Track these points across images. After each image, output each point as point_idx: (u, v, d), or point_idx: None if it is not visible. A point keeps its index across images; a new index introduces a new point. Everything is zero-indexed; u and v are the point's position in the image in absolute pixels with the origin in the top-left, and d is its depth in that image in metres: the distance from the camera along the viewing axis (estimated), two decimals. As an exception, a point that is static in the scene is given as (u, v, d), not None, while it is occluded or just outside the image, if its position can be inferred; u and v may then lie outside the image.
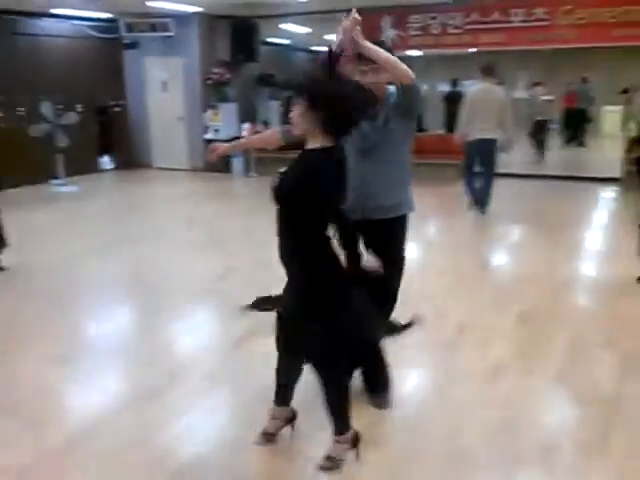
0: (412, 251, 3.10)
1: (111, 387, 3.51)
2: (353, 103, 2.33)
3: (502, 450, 2.79)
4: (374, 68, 2.70)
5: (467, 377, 3.51)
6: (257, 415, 2.98)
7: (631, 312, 4.44)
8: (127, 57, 11.62)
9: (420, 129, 3.20)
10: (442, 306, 4.57)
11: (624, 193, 9.07)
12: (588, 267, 5.81)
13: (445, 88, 12.66)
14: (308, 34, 13.72)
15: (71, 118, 9.55)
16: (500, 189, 7.86)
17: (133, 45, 11.29)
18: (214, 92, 11.24)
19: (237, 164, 10.90)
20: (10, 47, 9.64)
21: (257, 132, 10.71)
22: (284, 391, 2.79)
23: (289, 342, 2.60)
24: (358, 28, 2.53)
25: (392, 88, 2.82)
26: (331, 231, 2.46)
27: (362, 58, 2.67)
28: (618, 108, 14.64)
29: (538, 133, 12.20)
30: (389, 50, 2.68)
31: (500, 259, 6.35)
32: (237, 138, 10.78)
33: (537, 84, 12.59)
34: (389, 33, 10.19)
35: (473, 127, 7.27)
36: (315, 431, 2.83)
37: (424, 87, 13.88)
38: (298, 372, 2.73)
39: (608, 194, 9.34)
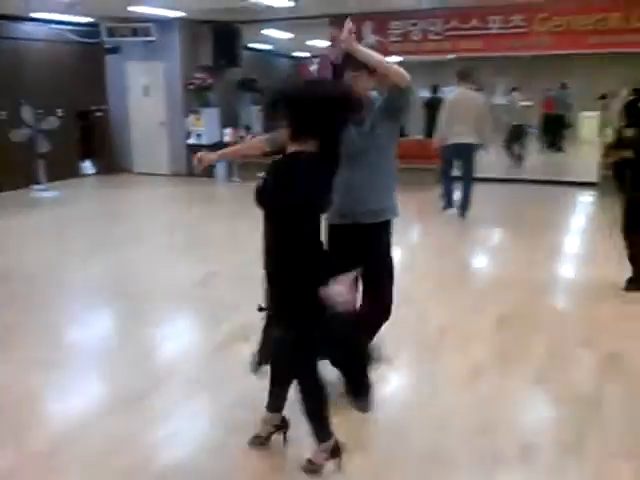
0: (394, 254, 3.14)
1: (93, 391, 3.51)
2: (320, 106, 2.32)
3: (482, 451, 2.83)
4: (363, 73, 2.75)
5: (448, 379, 3.56)
6: (239, 419, 3.00)
7: (608, 314, 4.52)
8: (108, 62, 11.57)
9: (402, 134, 3.25)
10: (423, 309, 4.62)
11: (601, 197, 9.21)
12: (567, 270, 5.91)
13: (425, 94, 12.74)
14: (290, 40, 13.79)
15: (52, 123, 9.49)
16: (480, 193, 7.96)
17: (114, 50, 11.24)
18: (196, 97, 11.24)
19: (220, 169, 10.90)
20: (-10, 51, 9.56)
21: (240, 137, 10.77)
22: (274, 398, 2.80)
23: (263, 350, 2.61)
24: (353, 35, 2.58)
25: (375, 93, 2.87)
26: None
27: (353, 64, 2.72)
28: (595, 114, 14.88)
29: (515, 138, 12.35)
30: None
31: (480, 262, 6.43)
32: (219, 143, 10.88)
33: (515, 89, 12.76)
34: (370, 39, 10.24)
35: (451, 131, 7.40)
36: (305, 436, 2.82)
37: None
38: (287, 380, 2.71)
39: (586, 198, 9.49)
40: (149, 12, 9.80)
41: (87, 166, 11.81)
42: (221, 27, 10.90)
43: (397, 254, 3.04)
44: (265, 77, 13.29)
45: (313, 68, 15.89)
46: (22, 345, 4.06)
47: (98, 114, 11.64)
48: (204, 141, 11.03)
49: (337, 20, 10.15)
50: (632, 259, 4.94)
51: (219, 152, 3.09)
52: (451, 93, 7.95)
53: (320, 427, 2.57)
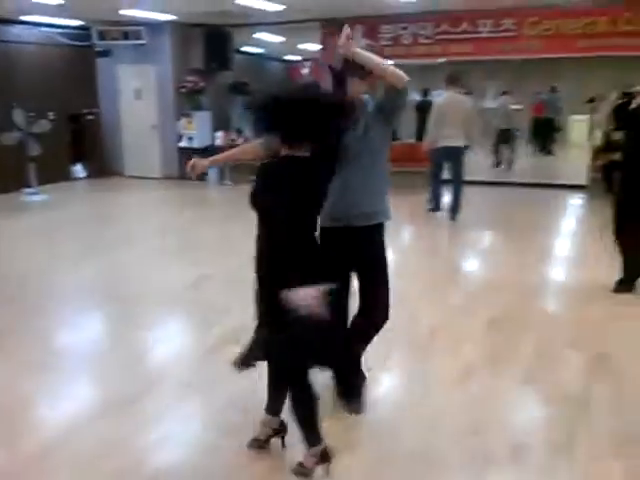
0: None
1: (85, 395, 3.51)
2: (311, 112, 2.33)
3: (473, 451, 2.85)
4: (355, 78, 2.78)
5: (439, 380, 3.58)
6: (231, 422, 3.01)
7: (597, 316, 4.56)
8: (100, 65, 11.55)
9: (394, 139, 3.29)
10: (414, 310, 4.64)
11: (590, 200, 9.30)
12: (557, 272, 5.95)
13: (416, 97, 12.80)
14: (281, 43, 13.81)
15: (43, 126, 9.46)
16: (470, 196, 8.01)
17: (105, 53, 11.23)
18: (188, 100, 11.24)
19: (212, 172, 10.90)
20: (-20, 54, 9.54)
21: (232, 140, 10.77)
22: (272, 400, 2.80)
23: (251, 350, 2.62)
24: (352, 40, 2.60)
25: (367, 97, 2.90)
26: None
27: (349, 68, 2.74)
28: (585, 117, 14.97)
29: (503, 142, 12.43)
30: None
31: (471, 265, 6.47)
32: (211, 146, 10.87)
33: (505, 93, 12.83)
34: (361, 43, 10.30)
35: (440, 135, 7.50)
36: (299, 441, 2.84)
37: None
38: (284, 383, 2.70)
39: (575, 201, 9.56)
40: (140, 15, 9.79)
41: (78, 169, 11.78)
42: (212, 30, 10.91)
43: (389, 256, 3.06)
44: (257, 80, 13.30)
45: (305, 71, 15.95)
46: (13, 348, 4.05)
47: (89, 117, 11.61)
48: (196, 144, 11.03)
49: (328, 24, 10.21)
50: (622, 261, 4.98)
51: (212, 158, 3.08)
52: (440, 97, 8.05)
53: (310, 432, 2.57)
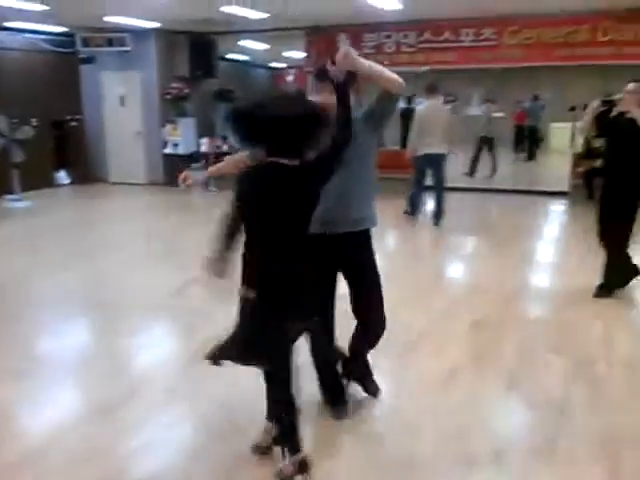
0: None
1: (67, 402, 3.49)
2: (288, 125, 2.34)
3: (456, 455, 2.87)
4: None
5: (422, 384, 3.61)
6: (215, 428, 3.01)
7: (579, 320, 4.61)
8: (83, 71, 11.52)
9: (379, 145, 3.32)
10: (398, 315, 4.63)
11: (572, 206, 9.41)
12: (538, 277, 6.02)
13: (401, 105, 12.89)
14: (266, 51, 13.85)
15: (26, 132, 9.41)
16: (453, 203, 8.08)
17: (89, 60, 11.19)
18: (173, 107, 11.24)
19: (196, 177, 10.86)
20: (-38, 60, 9.48)
21: (217, 147, 10.78)
22: (271, 408, 2.81)
23: (223, 352, 2.64)
24: (350, 51, 2.58)
25: (354, 103, 2.92)
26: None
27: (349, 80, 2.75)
28: (566, 125, 15.14)
29: (486, 149, 12.53)
30: None
31: (454, 270, 6.52)
32: (196, 153, 10.83)
33: (488, 101, 12.96)
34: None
35: (422, 142, 7.65)
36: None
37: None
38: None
39: (557, 207, 9.68)
40: (124, 22, 9.78)
41: (62, 176, 11.72)
42: (197, 38, 10.93)
43: (373, 261, 3.09)
44: (242, 87, 13.32)
45: (290, 79, 15.98)
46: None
47: (73, 124, 11.56)
48: (181, 151, 11.03)
49: (312, 32, 10.26)
50: (604, 265, 5.03)
51: (204, 172, 3.13)
52: (420, 105, 8.24)
53: (290, 439, 2.57)
